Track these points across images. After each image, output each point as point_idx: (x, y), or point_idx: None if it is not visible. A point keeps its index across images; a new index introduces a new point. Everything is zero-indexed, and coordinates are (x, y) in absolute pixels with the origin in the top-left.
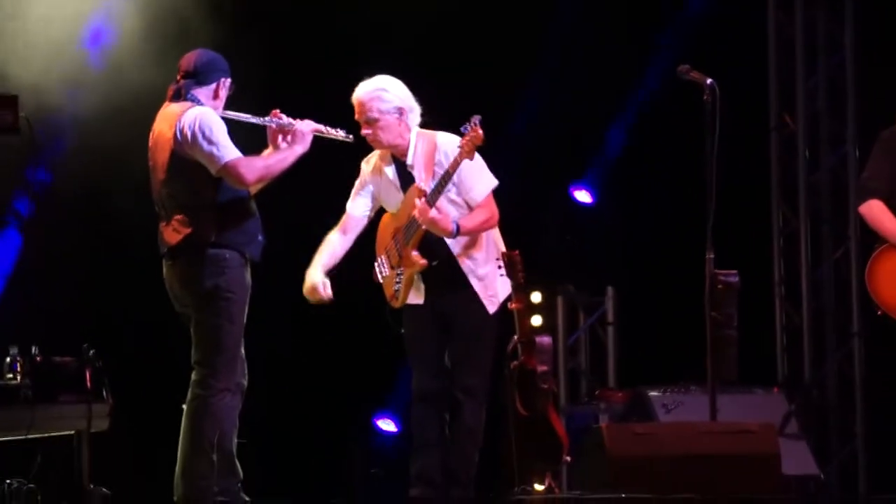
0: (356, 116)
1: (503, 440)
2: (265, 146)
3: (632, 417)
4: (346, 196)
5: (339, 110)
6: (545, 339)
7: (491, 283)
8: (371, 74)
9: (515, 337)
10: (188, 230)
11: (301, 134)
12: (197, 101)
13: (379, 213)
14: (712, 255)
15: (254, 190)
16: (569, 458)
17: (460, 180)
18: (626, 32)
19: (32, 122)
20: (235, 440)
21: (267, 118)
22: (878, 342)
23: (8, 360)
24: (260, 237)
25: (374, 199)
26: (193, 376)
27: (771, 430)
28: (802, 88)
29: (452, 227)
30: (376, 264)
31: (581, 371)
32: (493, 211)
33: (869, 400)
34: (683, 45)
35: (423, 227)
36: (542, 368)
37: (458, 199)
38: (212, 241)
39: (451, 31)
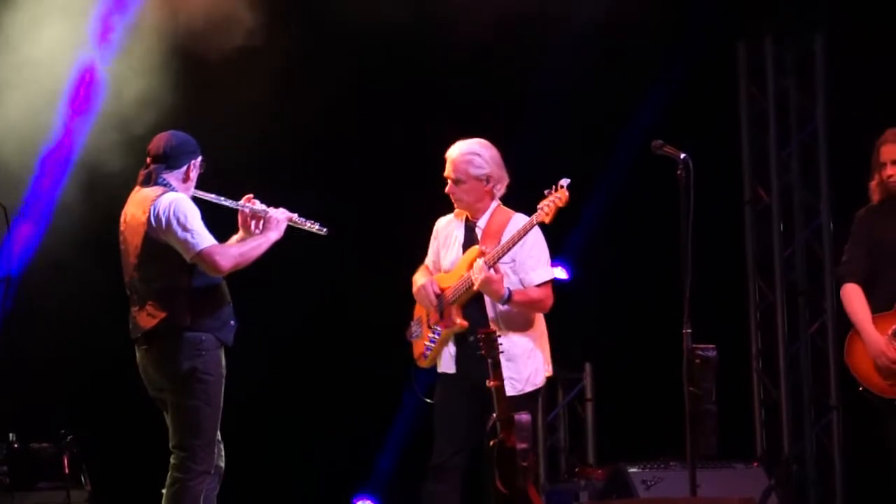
0: (445, 173)
1: None
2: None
3: (612, 494)
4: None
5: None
6: (524, 417)
7: (520, 366)
8: None
9: (494, 414)
10: (163, 314)
11: (276, 221)
12: (168, 186)
13: None
14: (689, 330)
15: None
16: None
17: (521, 259)
18: (599, 106)
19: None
20: None
21: (240, 202)
22: (860, 418)
23: None
24: (232, 322)
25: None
26: (172, 460)
27: None
28: (776, 160)
29: (505, 291)
30: (412, 323)
31: (560, 448)
32: (549, 295)
33: (848, 473)
34: (656, 119)
35: (476, 286)
36: (521, 446)
37: (514, 278)
38: (187, 325)
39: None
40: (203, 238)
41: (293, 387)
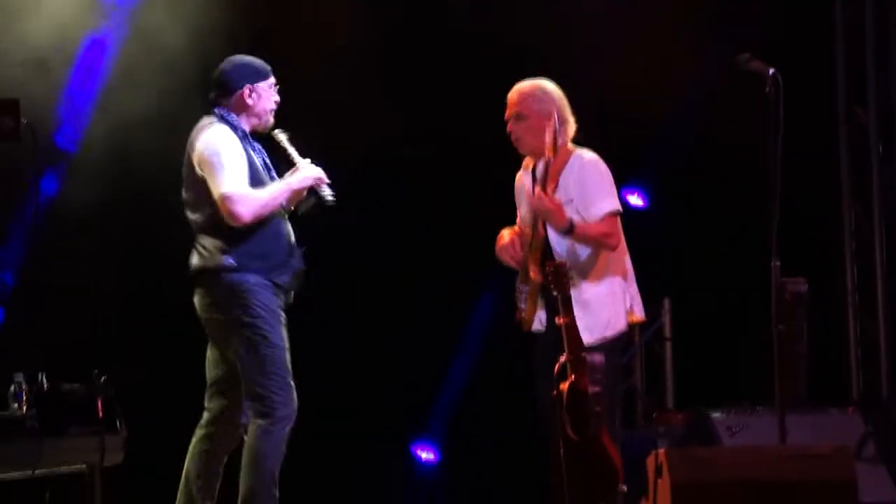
0: (507, 113)
1: (554, 468)
2: None
3: (693, 441)
4: None
5: None
6: (596, 357)
7: (596, 311)
8: None
9: (563, 356)
10: (207, 254)
11: (301, 170)
12: (223, 116)
13: None
14: (778, 263)
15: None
16: (625, 487)
17: (579, 195)
18: (682, 19)
19: (36, 129)
20: None
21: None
22: None
23: (12, 388)
24: (293, 261)
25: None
26: (250, 407)
27: (846, 454)
28: (874, 76)
29: (567, 219)
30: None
31: (637, 391)
32: (614, 231)
33: None
34: (742, 31)
35: (538, 215)
36: (593, 389)
37: (577, 218)
38: (228, 267)
39: None
40: (228, 180)
41: (350, 327)
